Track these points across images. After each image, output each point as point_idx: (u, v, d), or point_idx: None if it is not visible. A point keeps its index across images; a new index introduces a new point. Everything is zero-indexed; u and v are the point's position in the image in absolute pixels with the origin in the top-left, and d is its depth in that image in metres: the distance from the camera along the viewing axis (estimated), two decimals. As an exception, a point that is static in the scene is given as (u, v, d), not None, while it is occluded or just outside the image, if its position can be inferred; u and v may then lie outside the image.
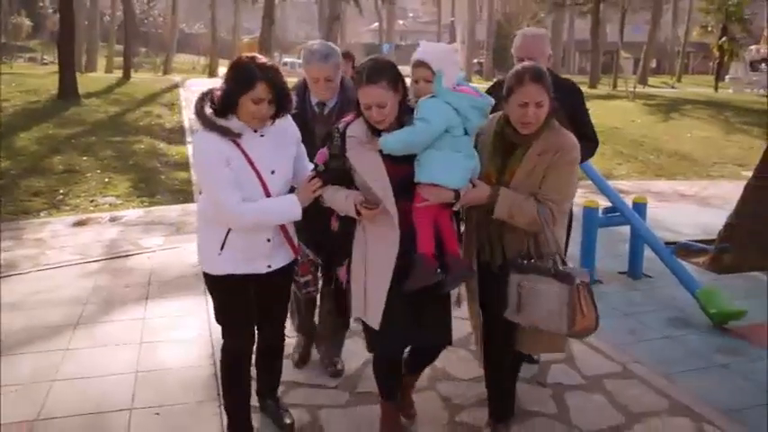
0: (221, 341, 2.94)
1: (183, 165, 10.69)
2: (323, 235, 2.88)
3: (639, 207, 5.51)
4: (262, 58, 2.59)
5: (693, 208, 8.78)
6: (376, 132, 2.60)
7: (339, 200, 2.66)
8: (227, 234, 2.69)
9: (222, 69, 41.37)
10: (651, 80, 34.43)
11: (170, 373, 3.71)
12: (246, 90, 2.52)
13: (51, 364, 3.79)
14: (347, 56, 7.78)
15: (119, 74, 26.77)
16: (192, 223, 7.19)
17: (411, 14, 69.17)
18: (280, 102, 2.59)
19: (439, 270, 2.60)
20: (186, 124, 14.37)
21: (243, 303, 2.85)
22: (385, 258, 2.61)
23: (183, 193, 8.95)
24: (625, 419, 3.24)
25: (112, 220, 7.46)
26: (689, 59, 48.98)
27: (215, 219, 2.69)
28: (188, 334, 4.23)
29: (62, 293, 5.00)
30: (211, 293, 2.91)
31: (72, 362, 3.85)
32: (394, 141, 2.53)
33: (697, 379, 3.72)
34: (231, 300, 2.84)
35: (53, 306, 4.73)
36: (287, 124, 2.78)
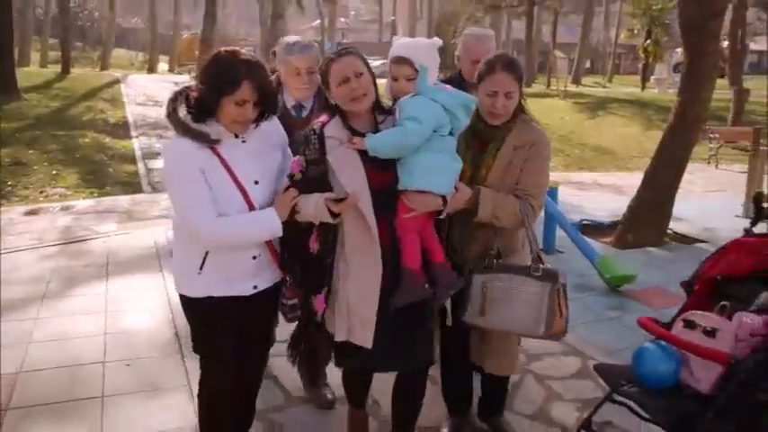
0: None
1: (130, 158, 10.98)
2: (299, 260, 2.57)
3: (551, 191, 6.23)
4: (244, 53, 2.30)
5: (609, 195, 9.67)
6: (355, 134, 2.38)
7: (310, 207, 2.36)
8: (206, 253, 2.38)
9: (162, 65, 41.27)
10: (585, 80, 35.96)
11: (135, 335, 4.17)
12: (230, 91, 2.21)
13: (25, 330, 4.19)
14: None
15: (54, 68, 26.34)
16: (143, 211, 7.59)
17: (353, 12, 69.69)
18: (265, 104, 2.31)
19: (427, 285, 2.40)
20: (130, 119, 14.56)
21: (226, 330, 2.50)
22: (369, 274, 2.37)
23: (132, 185, 9.28)
24: (526, 359, 3.90)
25: (64, 209, 7.75)
26: (620, 60, 51.09)
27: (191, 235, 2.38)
28: (149, 304, 4.68)
29: (25, 273, 5.35)
30: (189, 319, 2.57)
31: (43, 328, 4.26)
32: (382, 143, 2.30)
33: (589, 329, 4.44)
34: (213, 326, 2.49)
35: (18, 284, 5.08)
36: (273, 126, 2.48)
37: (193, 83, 2.34)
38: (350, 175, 2.35)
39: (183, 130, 2.26)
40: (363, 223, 2.35)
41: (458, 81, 3.32)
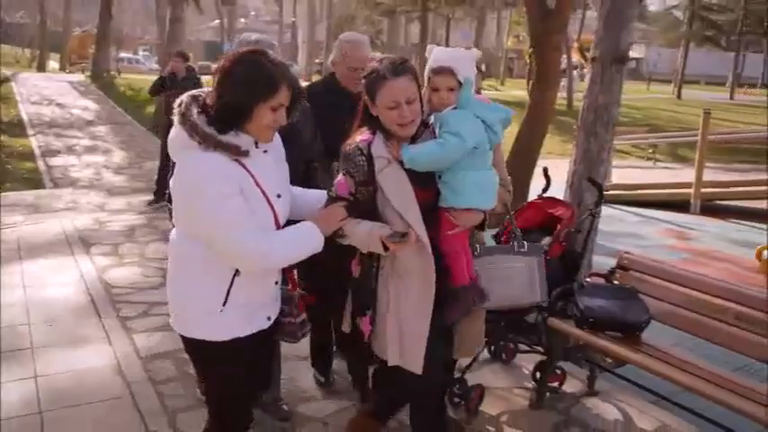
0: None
1: (29, 156, 11.16)
2: (336, 281, 2.53)
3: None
4: (268, 52, 2.09)
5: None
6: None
7: (361, 234, 2.25)
8: (231, 283, 2.10)
9: (53, 63, 39.61)
10: (480, 83, 37.94)
11: (54, 303, 4.75)
12: (268, 96, 2.00)
13: (-51, 303, 4.68)
14: (181, 55, 8.52)
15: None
16: (48, 204, 7.98)
17: (253, 13, 69.35)
18: (293, 108, 2.12)
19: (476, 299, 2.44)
20: (25, 118, 14.52)
21: (245, 374, 2.28)
22: (423, 296, 2.31)
23: (34, 182, 9.53)
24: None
25: (-33, 204, 7.99)
26: (513, 64, 53.92)
27: (215, 265, 2.09)
28: (63, 279, 5.24)
29: (-62, 259, 5.74)
30: (203, 365, 2.31)
31: (-33, 302, 4.76)
32: (420, 155, 2.24)
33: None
34: (234, 371, 2.23)
35: (-66, 267, 5.49)
36: (278, 137, 2.23)
37: (201, 90, 2.11)
38: (401, 196, 2.26)
39: (213, 142, 1.97)
40: (416, 245, 2.27)
41: (334, 86, 3.27)
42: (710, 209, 9.13)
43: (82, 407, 3.37)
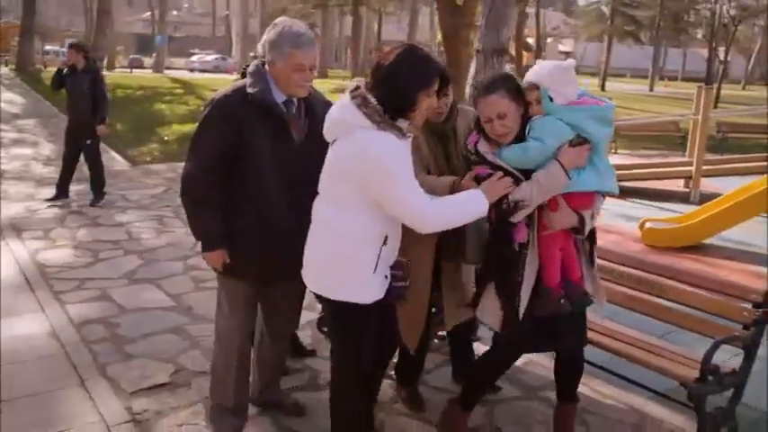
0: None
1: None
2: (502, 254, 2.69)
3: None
4: (419, 45, 2.45)
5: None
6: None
7: (541, 180, 2.53)
8: (381, 247, 2.40)
9: (-27, 55, 38.00)
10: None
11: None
12: (429, 85, 2.33)
13: None
14: (77, 46, 8.24)
15: None
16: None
17: (186, 5, 68.21)
18: (441, 91, 2.47)
19: (563, 300, 2.69)
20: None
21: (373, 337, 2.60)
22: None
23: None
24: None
25: None
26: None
27: (371, 234, 2.38)
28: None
29: None
30: (346, 326, 2.52)
31: None
32: (507, 156, 2.58)
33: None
34: (371, 331, 2.54)
35: None
36: None
37: (359, 81, 2.42)
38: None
39: (388, 125, 2.28)
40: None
41: None
42: (612, 190, 9.97)
43: (17, 365, 3.74)
